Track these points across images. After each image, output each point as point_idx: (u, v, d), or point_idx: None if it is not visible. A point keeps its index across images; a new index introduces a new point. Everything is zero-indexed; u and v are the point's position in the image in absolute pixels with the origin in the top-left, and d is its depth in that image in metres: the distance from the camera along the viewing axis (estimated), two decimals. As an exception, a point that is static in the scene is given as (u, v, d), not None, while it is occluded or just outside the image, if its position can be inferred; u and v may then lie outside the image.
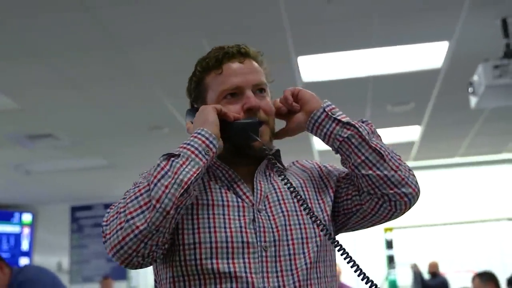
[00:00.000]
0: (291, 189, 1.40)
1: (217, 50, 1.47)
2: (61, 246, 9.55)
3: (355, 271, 1.33)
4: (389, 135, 6.83)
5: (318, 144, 6.97)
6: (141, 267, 1.30)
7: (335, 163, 1.61)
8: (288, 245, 1.37)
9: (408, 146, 7.51)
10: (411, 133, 6.92)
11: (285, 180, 1.41)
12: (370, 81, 5.01)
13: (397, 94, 5.44)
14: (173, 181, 1.23)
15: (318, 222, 1.37)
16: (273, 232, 1.37)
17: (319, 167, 1.57)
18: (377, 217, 1.46)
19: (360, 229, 1.54)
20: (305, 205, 1.38)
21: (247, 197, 1.40)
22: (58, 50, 3.99)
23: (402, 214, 1.45)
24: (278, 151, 1.50)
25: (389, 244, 9.13)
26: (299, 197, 1.39)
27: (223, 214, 1.36)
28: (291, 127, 1.50)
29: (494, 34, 3.98)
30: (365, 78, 4.94)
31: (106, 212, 1.30)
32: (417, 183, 1.43)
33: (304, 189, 1.48)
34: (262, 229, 1.36)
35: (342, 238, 1.50)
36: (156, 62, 4.30)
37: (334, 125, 1.43)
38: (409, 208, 1.44)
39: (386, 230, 9.00)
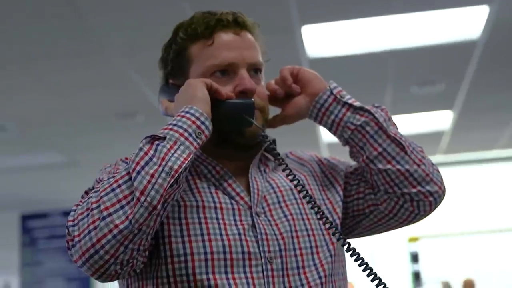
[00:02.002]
0: (299, 187, 1.40)
1: (206, 15, 1.47)
2: (9, 264, 9.54)
3: (377, 286, 1.34)
4: (414, 123, 6.84)
5: (326, 136, 6.98)
6: (116, 279, 1.29)
7: (344, 158, 1.63)
8: (296, 255, 1.39)
9: (437, 137, 7.53)
10: (440, 120, 6.94)
11: (292, 176, 1.41)
12: (391, 57, 5.02)
13: (423, 72, 5.45)
14: (160, 168, 1.23)
15: (330, 225, 1.38)
16: (277, 240, 1.38)
17: (320, 160, 1.59)
18: (395, 220, 1.49)
19: (370, 234, 1.57)
20: (317, 208, 1.39)
21: (242, 198, 1.42)
22: (1, 18, 3.95)
23: (425, 217, 1.49)
24: (274, 141, 1.51)
25: (415, 258, 9.16)
26: (308, 198, 1.39)
27: (217, 218, 1.37)
28: (289, 113, 1.52)
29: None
30: (384, 53, 4.93)
31: (72, 210, 1.29)
32: (442, 179, 1.47)
33: (307, 187, 1.50)
34: (264, 237, 1.37)
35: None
36: (127, 34, 4.27)
37: (344, 110, 1.46)
38: (433, 210, 1.48)
39: (410, 240, 9.03)
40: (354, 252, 1.36)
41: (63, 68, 4.75)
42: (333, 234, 1.40)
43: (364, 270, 1.34)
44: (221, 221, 1.37)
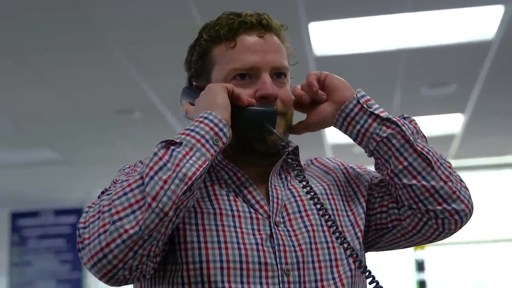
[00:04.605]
0: (315, 199, 1.41)
1: (230, 17, 1.48)
2: (-2, 264, 9.53)
3: None
4: (423, 126, 6.81)
5: (331, 137, 6.98)
6: (125, 284, 1.30)
7: (355, 162, 1.62)
8: (314, 268, 1.40)
9: (447, 141, 7.52)
10: (451, 123, 6.94)
11: (308, 188, 1.42)
12: (401, 56, 5.02)
13: (434, 73, 5.45)
14: (174, 174, 1.24)
15: (346, 245, 1.39)
16: (295, 251, 1.39)
17: (345, 168, 1.59)
18: (419, 237, 1.49)
19: (395, 249, 1.58)
20: (331, 221, 1.40)
21: (261, 206, 1.43)
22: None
23: (451, 235, 1.49)
24: (296, 148, 1.52)
25: (420, 266, 9.16)
26: (324, 210, 1.40)
27: (234, 226, 1.39)
28: (313, 121, 1.52)
29: None
30: (394, 52, 4.94)
31: (84, 212, 1.31)
32: (470, 198, 1.47)
33: (330, 196, 1.50)
34: (282, 248, 1.39)
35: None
36: (127, 29, 4.27)
37: (370, 121, 1.45)
38: (460, 228, 1.48)
39: (416, 247, 9.02)
40: (369, 275, 1.38)
41: (60, 62, 4.75)
42: (349, 255, 1.40)
43: None
44: (238, 230, 1.38)
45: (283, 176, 1.50)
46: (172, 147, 1.28)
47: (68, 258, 9.27)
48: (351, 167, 1.59)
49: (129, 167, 1.46)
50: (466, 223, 1.47)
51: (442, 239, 1.50)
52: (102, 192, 1.39)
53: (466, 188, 1.47)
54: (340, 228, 1.42)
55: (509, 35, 4.63)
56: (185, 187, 1.24)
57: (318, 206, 1.41)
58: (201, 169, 1.27)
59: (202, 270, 1.33)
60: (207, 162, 1.28)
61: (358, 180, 1.56)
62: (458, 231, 1.50)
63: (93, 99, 5.57)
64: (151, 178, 1.24)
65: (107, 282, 1.28)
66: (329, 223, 1.40)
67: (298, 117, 1.55)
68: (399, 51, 4.92)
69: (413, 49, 4.89)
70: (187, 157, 1.27)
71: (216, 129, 1.32)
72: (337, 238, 1.40)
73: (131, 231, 1.22)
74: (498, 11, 4.33)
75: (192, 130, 1.31)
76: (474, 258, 8.89)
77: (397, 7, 4.25)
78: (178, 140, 1.29)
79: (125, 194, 1.25)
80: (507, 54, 4.96)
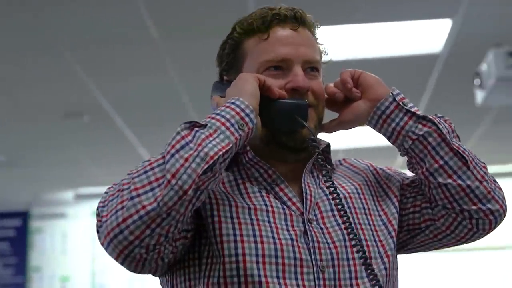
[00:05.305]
0: (337, 200, 1.41)
1: (264, 10, 1.49)
2: None
3: None
4: (370, 137, 6.89)
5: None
6: (142, 267, 1.30)
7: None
8: (349, 265, 1.40)
9: (394, 150, 7.56)
10: (399, 134, 6.98)
11: (331, 185, 1.42)
12: (349, 67, 4.98)
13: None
14: (195, 153, 1.24)
15: (361, 254, 1.39)
16: (329, 248, 1.40)
17: (375, 169, 1.60)
18: (453, 237, 1.50)
19: (425, 250, 1.59)
20: (348, 224, 1.39)
21: (294, 203, 1.43)
22: None
23: (484, 236, 1.49)
24: (328, 146, 1.52)
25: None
26: (344, 215, 1.40)
27: (269, 221, 1.39)
28: (347, 119, 1.53)
29: (510, 13, 4.06)
30: (343, 62, 4.90)
31: (105, 193, 1.32)
32: (504, 198, 1.48)
33: (362, 196, 1.51)
34: (316, 245, 1.39)
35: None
36: (77, 30, 4.24)
37: (406, 118, 1.46)
38: (494, 229, 1.49)
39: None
40: (371, 272, 1.38)
41: (7, 63, 4.71)
42: (366, 269, 1.40)
43: None
44: (273, 225, 1.38)
45: (315, 174, 1.50)
46: (196, 129, 1.28)
47: (12, 262, 9.14)
48: (380, 168, 1.60)
49: None
50: (500, 223, 1.47)
51: (475, 240, 1.49)
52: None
53: (500, 189, 1.47)
54: (358, 231, 1.43)
55: (456, 49, 4.71)
56: (206, 166, 1.23)
57: (339, 208, 1.41)
58: (224, 150, 1.26)
59: (239, 263, 1.33)
60: (230, 145, 1.28)
61: (389, 180, 1.56)
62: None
63: (41, 101, 5.50)
64: (172, 155, 1.24)
65: (123, 262, 1.27)
66: (349, 230, 1.39)
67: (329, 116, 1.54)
68: (346, 62, 4.92)
69: (361, 60, 4.91)
70: (210, 138, 1.26)
71: (242, 114, 1.31)
72: (354, 246, 1.39)
73: (149, 207, 1.21)
74: (446, 24, 4.40)
75: (218, 114, 1.31)
76: (440, 267, 8.91)
77: (346, 18, 4.29)
78: (203, 123, 1.29)
79: (146, 172, 1.25)
80: (454, 67, 5.03)
